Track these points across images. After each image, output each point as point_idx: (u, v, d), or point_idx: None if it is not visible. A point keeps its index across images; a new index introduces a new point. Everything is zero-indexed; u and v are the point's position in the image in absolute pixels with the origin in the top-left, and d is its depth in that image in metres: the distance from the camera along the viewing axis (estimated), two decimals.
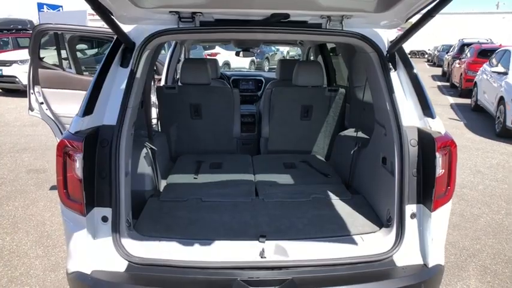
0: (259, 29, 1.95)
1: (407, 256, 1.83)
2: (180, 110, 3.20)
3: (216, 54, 13.27)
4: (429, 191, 1.80)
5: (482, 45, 13.73)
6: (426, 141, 1.81)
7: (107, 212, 1.79)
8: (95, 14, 1.56)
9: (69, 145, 1.71)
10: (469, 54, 12.86)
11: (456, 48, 16.03)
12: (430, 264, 1.83)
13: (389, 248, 1.83)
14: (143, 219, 2.06)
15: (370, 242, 1.88)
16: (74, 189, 1.74)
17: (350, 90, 3.26)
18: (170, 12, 1.87)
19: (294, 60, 4.48)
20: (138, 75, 1.91)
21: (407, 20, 1.91)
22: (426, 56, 32.45)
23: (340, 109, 3.19)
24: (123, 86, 1.89)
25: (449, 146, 1.80)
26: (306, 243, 1.87)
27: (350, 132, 3.05)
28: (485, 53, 11.57)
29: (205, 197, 2.34)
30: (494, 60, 9.44)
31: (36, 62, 3.80)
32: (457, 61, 13.83)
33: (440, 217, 1.84)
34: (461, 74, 12.36)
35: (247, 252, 1.80)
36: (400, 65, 1.98)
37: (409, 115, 1.91)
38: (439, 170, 1.77)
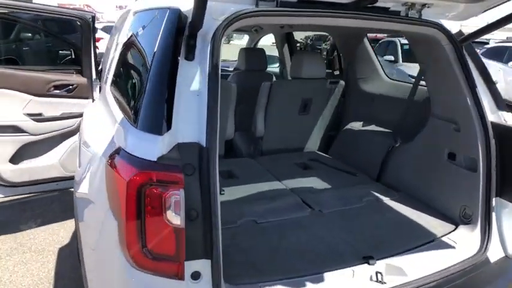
0: (348, 14, 1.65)
1: (492, 250, 1.84)
2: None
3: (99, 39, 11.65)
4: (510, 183, 1.83)
5: None
6: (508, 135, 1.83)
7: (200, 265, 1.28)
8: None
9: (159, 179, 1.14)
10: None
11: (332, 38, 17.69)
12: (511, 254, 1.88)
13: (482, 246, 1.81)
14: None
15: (462, 243, 1.82)
16: (165, 242, 1.18)
17: (350, 82, 3.15)
18: None
19: (258, 49, 4.12)
20: (219, 70, 1.39)
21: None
22: (298, 44, 34.99)
23: (337, 102, 3.06)
24: (196, 86, 1.37)
25: None
26: (410, 256, 1.71)
27: (358, 125, 2.96)
28: None
29: (258, 218, 1.94)
30: (379, 50, 10.67)
31: None
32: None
33: None
34: None
35: (363, 279, 1.55)
36: (467, 58, 1.95)
37: None
38: None
